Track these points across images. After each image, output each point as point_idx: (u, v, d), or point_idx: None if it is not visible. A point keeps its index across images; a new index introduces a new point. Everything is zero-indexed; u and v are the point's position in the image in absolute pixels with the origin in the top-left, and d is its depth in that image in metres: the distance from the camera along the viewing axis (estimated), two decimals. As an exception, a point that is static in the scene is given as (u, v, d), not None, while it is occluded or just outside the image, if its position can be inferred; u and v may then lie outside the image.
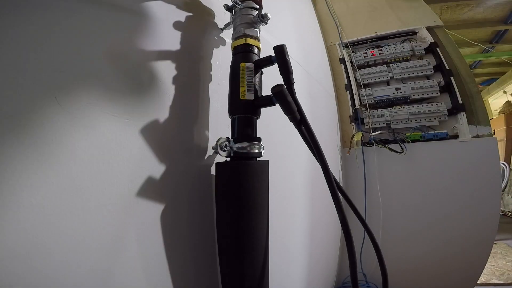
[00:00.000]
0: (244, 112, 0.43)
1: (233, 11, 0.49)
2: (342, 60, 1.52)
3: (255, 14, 0.46)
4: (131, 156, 0.33)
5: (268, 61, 0.43)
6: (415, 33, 1.44)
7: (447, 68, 1.29)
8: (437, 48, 1.34)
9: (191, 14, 0.47)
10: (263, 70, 0.46)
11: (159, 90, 0.38)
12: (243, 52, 0.44)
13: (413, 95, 1.32)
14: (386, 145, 1.30)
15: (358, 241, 1.14)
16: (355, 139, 1.33)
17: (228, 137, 0.43)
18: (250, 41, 0.45)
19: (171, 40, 0.42)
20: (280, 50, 0.41)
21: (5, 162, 0.22)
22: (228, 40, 0.53)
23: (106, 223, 0.29)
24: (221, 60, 0.52)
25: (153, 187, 0.35)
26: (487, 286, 1.61)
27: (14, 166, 0.23)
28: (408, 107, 1.32)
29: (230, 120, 0.44)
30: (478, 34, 2.92)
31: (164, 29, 0.41)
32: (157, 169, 0.36)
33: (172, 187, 0.38)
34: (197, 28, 0.48)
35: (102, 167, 0.29)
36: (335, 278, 1.26)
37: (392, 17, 1.52)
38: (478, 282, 1.20)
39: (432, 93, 1.29)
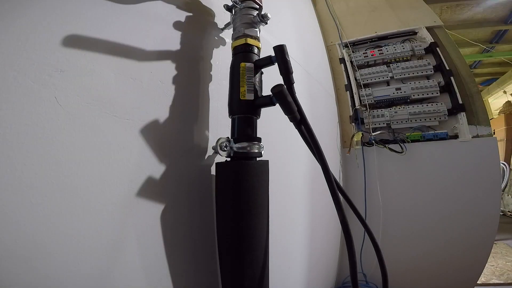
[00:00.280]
0: (244, 112, 0.43)
1: (233, 11, 0.49)
2: (342, 60, 1.52)
3: (255, 14, 0.47)
4: (131, 156, 0.33)
5: (268, 61, 0.43)
6: (415, 33, 1.44)
7: (447, 68, 1.29)
8: (437, 48, 1.34)
9: (191, 14, 0.47)
10: (263, 70, 0.46)
11: (159, 90, 0.38)
12: (243, 52, 0.44)
13: (413, 95, 1.32)
14: (386, 145, 1.30)
15: (358, 241, 1.14)
16: (355, 139, 1.33)
17: (228, 137, 0.43)
18: (250, 41, 0.45)
19: (171, 40, 0.42)
20: (280, 50, 0.41)
21: (5, 162, 0.22)
22: (228, 40, 0.53)
23: (106, 223, 0.29)
24: (221, 60, 0.52)
25: (153, 187, 0.35)
26: (487, 286, 1.61)
27: (14, 166, 0.23)
28: (408, 107, 1.32)
29: (230, 120, 0.44)
30: (478, 34, 2.92)
31: (164, 29, 0.41)
32: (157, 169, 0.36)
33: (172, 187, 0.38)
34: (197, 28, 0.48)
35: (102, 167, 0.29)
36: (335, 278, 1.26)
37: (392, 17, 1.52)
38: (478, 282, 1.20)
39: (432, 93, 1.29)
